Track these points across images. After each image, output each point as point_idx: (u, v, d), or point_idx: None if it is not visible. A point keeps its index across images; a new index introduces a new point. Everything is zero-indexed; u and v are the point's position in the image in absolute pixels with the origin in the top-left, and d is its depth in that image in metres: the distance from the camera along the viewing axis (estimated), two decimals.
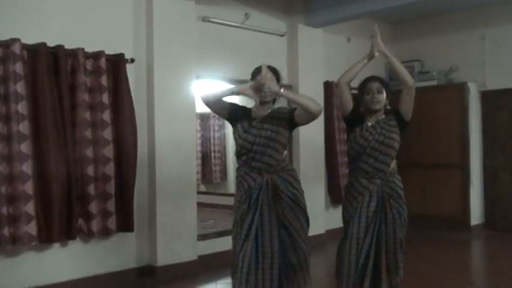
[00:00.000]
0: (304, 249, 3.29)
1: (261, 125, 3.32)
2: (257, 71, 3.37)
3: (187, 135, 5.49)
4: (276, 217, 3.27)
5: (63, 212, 4.47)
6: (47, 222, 4.37)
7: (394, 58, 3.59)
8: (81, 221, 4.66)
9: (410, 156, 7.81)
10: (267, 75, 3.26)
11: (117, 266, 5.01)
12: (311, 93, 6.84)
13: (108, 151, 4.77)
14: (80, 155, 4.63)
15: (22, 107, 4.24)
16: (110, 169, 4.77)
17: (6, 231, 4.15)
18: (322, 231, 6.85)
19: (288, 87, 6.78)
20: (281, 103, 3.55)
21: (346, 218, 3.55)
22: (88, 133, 4.68)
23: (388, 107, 3.58)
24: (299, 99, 3.32)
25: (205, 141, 9.49)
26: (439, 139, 7.65)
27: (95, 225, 4.68)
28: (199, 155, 9.08)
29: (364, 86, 3.58)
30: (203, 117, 9.32)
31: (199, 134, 9.15)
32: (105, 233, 4.79)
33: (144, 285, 5.01)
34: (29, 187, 4.23)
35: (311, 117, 3.27)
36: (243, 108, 3.50)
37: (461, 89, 7.51)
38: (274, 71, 3.42)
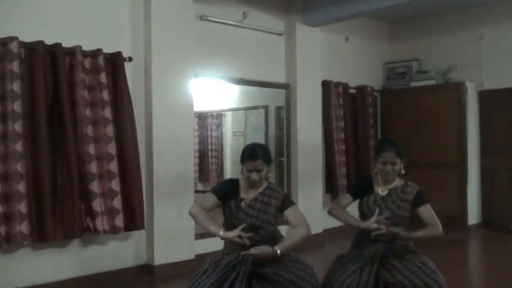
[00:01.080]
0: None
1: (248, 210, 3.25)
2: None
3: (185, 134, 5.48)
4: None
5: (58, 210, 4.47)
6: (40, 221, 4.36)
7: (413, 234, 3.36)
8: (88, 220, 4.65)
9: (408, 156, 7.80)
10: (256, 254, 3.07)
11: (115, 265, 5.01)
12: (309, 92, 6.87)
13: (111, 148, 4.77)
14: (82, 152, 4.61)
15: (17, 106, 4.23)
16: (114, 166, 4.77)
17: (1, 229, 4.15)
18: (319, 230, 6.85)
19: (286, 86, 6.80)
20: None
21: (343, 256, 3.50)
22: (89, 130, 4.67)
23: (403, 171, 3.47)
24: (295, 244, 3.22)
25: (202, 139, 9.47)
26: (436, 139, 7.65)
27: (101, 223, 4.66)
28: (197, 154, 9.06)
29: (378, 152, 3.48)
30: (201, 116, 9.30)
31: (197, 133, 9.14)
32: (113, 231, 4.78)
33: (141, 284, 5.00)
34: (22, 186, 4.22)
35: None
36: (232, 184, 3.38)
37: (459, 89, 7.51)
38: (265, 158, 3.26)
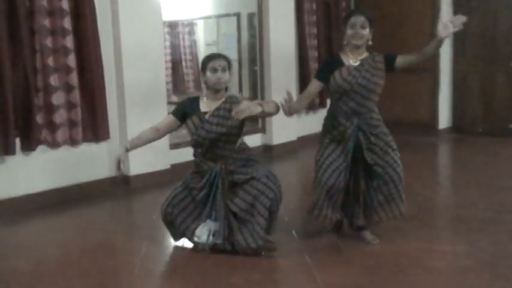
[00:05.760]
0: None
1: (213, 119, 3.32)
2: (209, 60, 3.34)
3: (154, 43, 5.34)
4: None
5: (20, 123, 4.41)
6: (4, 134, 4.29)
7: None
8: (45, 132, 4.60)
9: None
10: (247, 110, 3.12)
11: (90, 176, 5.03)
12: (282, 8, 6.66)
13: (71, 60, 4.64)
14: (41, 64, 4.49)
15: None
16: (73, 78, 4.67)
17: None
18: (294, 138, 6.92)
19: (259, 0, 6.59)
20: (230, 89, 3.53)
21: (321, 152, 3.50)
22: (48, 41, 4.51)
23: (370, 42, 3.44)
24: (270, 113, 3.33)
25: (175, 50, 9.26)
26: (409, 42, 7.60)
27: (60, 135, 4.65)
28: (170, 64, 8.89)
29: (347, 19, 3.41)
30: (171, 25, 9.05)
31: (168, 43, 8.92)
32: (72, 142, 4.78)
33: (117, 194, 5.06)
34: None
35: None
36: (190, 101, 3.47)
37: None
38: (227, 59, 3.38)
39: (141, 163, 5.25)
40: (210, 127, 3.31)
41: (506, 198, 4.58)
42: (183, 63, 9.33)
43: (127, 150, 3.45)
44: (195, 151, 3.48)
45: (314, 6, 7.21)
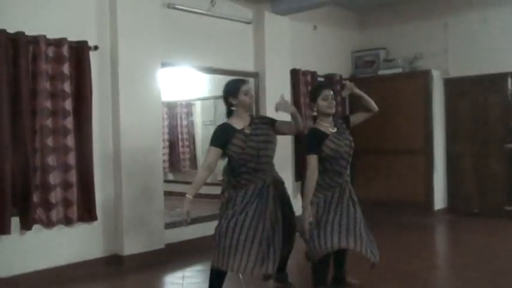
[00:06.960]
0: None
1: (255, 130, 3.62)
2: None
3: (153, 124, 5.44)
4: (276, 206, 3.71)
5: (19, 202, 4.41)
6: (1, 213, 4.29)
7: (362, 93, 3.99)
8: (40, 211, 4.59)
9: (376, 143, 7.92)
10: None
11: (84, 256, 4.96)
12: (278, 81, 6.88)
13: (70, 140, 4.73)
14: (40, 144, 4.56)
15: None
16: (71, 159, 4.73)
17: None
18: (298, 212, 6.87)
19: (255, 74, 6.79)
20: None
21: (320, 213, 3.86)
22: (49, 122, 4.60)
23: None
24: (298, 121, 3.72)
25: (172, 129, 9.40)
26: (403, 126, 7.77)
27: (55, 214, 4.64)
28: (167, 143, 8.99)
29: (319, 92, 3.86)
30: (170, 106, 9.23)
31: (166, 123, 9.06)
32: (66, 222, 4.77)
33: (111, 274, 4.97)
34: None
35: (292, 133, 3.95)
36: (223, 127, 3.69)
37: (425, 77, 7.65)
38: None
39: (135, 242, 5.19)
40: (256, 137, 3.59)
41: (504, 283, 4.51)
42: (180, 143, 9.44)
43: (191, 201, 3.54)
44: (243, 169, 3.59)
45: (310, 89, 7.38)
